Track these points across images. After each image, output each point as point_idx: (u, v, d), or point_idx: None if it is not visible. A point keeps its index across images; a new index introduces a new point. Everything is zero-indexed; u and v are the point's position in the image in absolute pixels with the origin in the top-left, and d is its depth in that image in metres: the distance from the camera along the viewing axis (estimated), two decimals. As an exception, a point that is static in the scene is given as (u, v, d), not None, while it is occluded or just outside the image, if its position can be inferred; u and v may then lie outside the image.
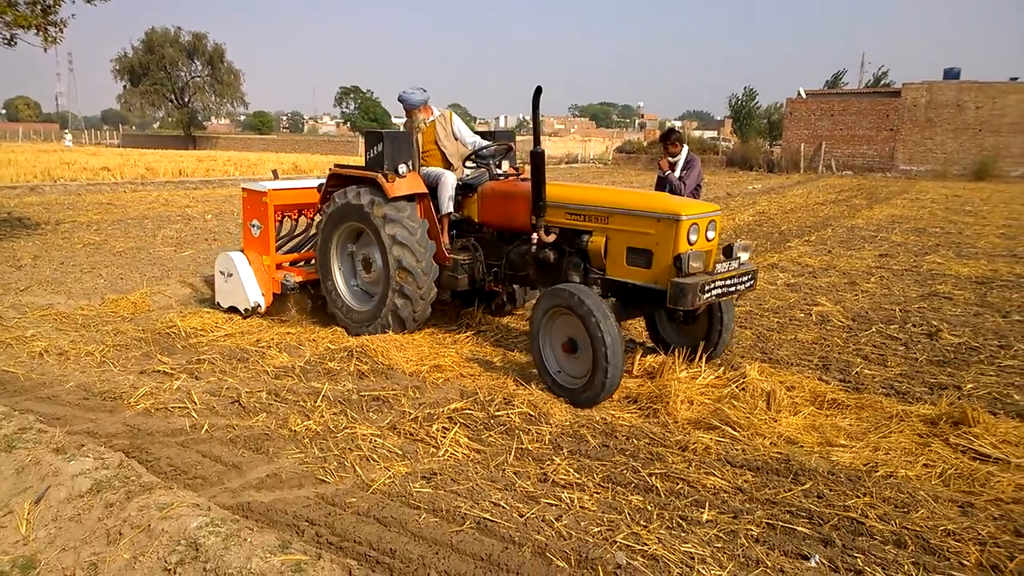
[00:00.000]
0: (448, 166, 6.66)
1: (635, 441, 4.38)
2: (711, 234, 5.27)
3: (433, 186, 6.44)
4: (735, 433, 4.47)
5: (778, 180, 31.50)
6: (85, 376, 5.45)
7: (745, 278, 5.34)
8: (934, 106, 34.82)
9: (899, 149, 35.61)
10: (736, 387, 4.96)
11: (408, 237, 6.07)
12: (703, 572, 3.10)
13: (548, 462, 4.11)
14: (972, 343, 6.64)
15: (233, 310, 7.14)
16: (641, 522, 3.50)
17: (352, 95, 76.46)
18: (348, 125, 78.31)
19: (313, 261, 7.32)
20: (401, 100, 6.71)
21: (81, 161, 27.73)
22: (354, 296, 6.81)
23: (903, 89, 35.94)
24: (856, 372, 5.81)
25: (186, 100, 66.23)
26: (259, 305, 6.97)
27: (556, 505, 3.67)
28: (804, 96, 39.88)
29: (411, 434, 4.52)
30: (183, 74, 66.00)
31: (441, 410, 4.80)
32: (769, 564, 3.17)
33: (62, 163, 26.19)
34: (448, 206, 6.41)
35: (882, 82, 50.10)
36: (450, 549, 3.27)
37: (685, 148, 7.80)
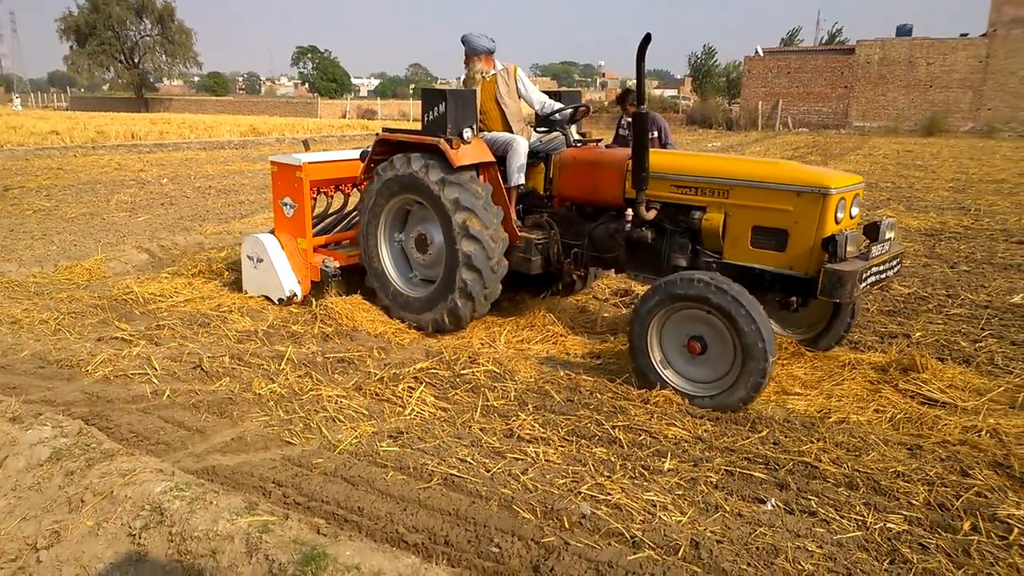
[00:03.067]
0: (507, 128, 5.83)
1: (599, 396, 4.46)
2: (855, 210, 4.61)
3: (501, 154, 5.65)
4: (695, 385, 4.57)
5: (737, 138, 31.72)
6: (40, 345, 5.33)
7: (894, 263, 4.64)
8: (887, 63, 35.20)
9: (853, 106, 36.04)
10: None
11: (472, 201, 5.31)
12: (664, 519, 3.19)
13: (514, 418, 4.17)
14: (921, 293, 6.85)
15: (265, 299, 6.46)
16: (605, 473, 3.58)
17: (310, 55, 74.53)
18: (307, 86, 76.46)
19: (347, 242, 6.73)
20: (464, 42, 5.88)
21: (28, 125, 26.66)
22: (407, 282, 6.04)
23: (857, 46, 36.21)
24: (812, 324, 5.95)
25: (136, 61, 63.75)
26: (295, 294, 6.31)
27: (522, 459, 3.73)
28: (761, 54, 40.01)
29: (377, 394, 4.54)
30: (132, 34, 63.37)
31: (407, 370, 4.82)
32: (728, 509, 3.28)
33: (8, 127, 25.16)
34: (519, 177, 5.61)
35: (836, 39, 50.53)
36: (418, 505, 3.31)
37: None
